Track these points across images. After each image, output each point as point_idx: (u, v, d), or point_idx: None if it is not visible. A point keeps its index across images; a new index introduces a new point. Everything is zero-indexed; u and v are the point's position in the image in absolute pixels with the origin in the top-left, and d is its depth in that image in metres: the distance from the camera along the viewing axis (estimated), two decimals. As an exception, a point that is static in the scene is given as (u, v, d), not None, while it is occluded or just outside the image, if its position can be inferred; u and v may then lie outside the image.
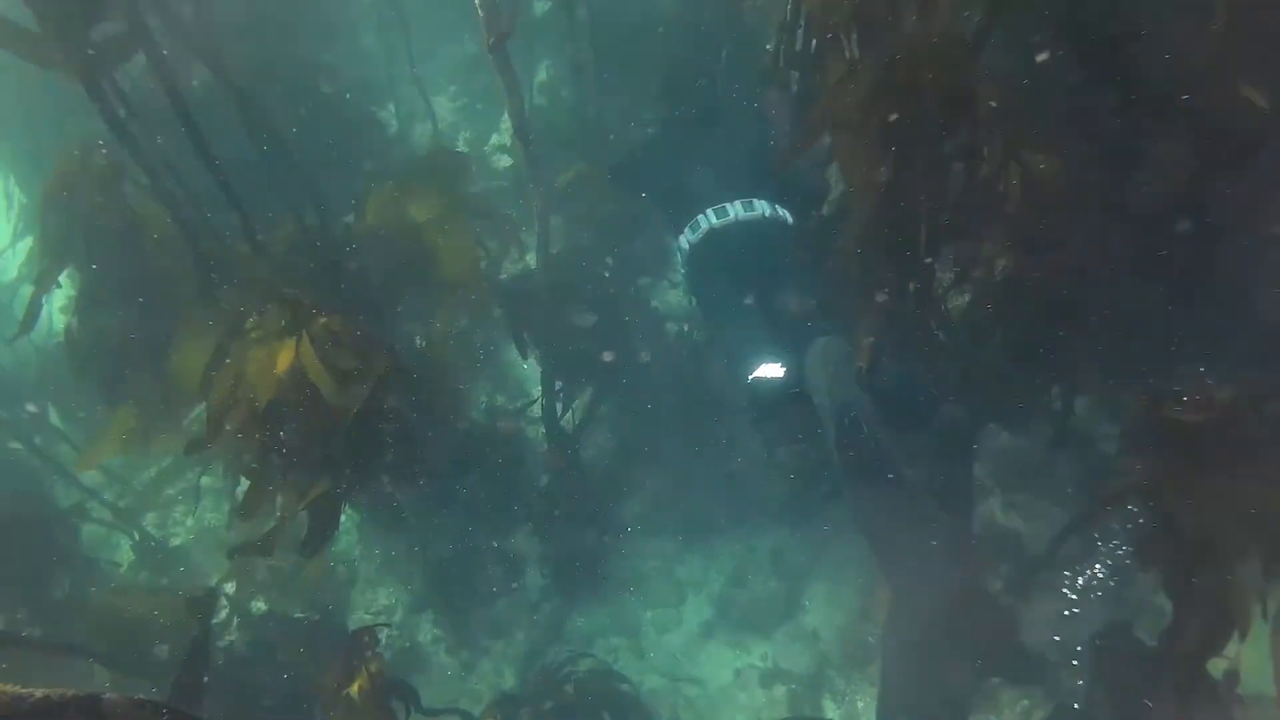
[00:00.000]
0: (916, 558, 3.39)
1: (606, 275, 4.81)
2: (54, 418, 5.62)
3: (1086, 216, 3.12)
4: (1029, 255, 3.18)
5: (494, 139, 6.70)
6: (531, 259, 4.70)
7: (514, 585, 4.79)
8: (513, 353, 5.53)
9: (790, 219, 4.02)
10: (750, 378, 3.62)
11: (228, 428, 3.42)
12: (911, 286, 3.27)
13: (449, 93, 7.06)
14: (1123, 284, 3.32)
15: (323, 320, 3.42)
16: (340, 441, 3.43)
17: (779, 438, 4.35)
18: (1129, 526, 3.70)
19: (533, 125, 3.58)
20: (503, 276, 4.89)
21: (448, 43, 7.08)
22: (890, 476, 3.29)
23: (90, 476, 5.18)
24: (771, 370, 3.58)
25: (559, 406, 4.74)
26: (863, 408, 3.34)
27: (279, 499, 3.51)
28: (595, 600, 4.87)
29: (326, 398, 3.30)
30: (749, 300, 3.78)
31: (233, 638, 4.37)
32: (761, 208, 3.93)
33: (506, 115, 5.95)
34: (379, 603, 4.79)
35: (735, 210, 3.91)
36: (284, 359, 3.29)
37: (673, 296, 5.72)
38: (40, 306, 4.23)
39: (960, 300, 3.63)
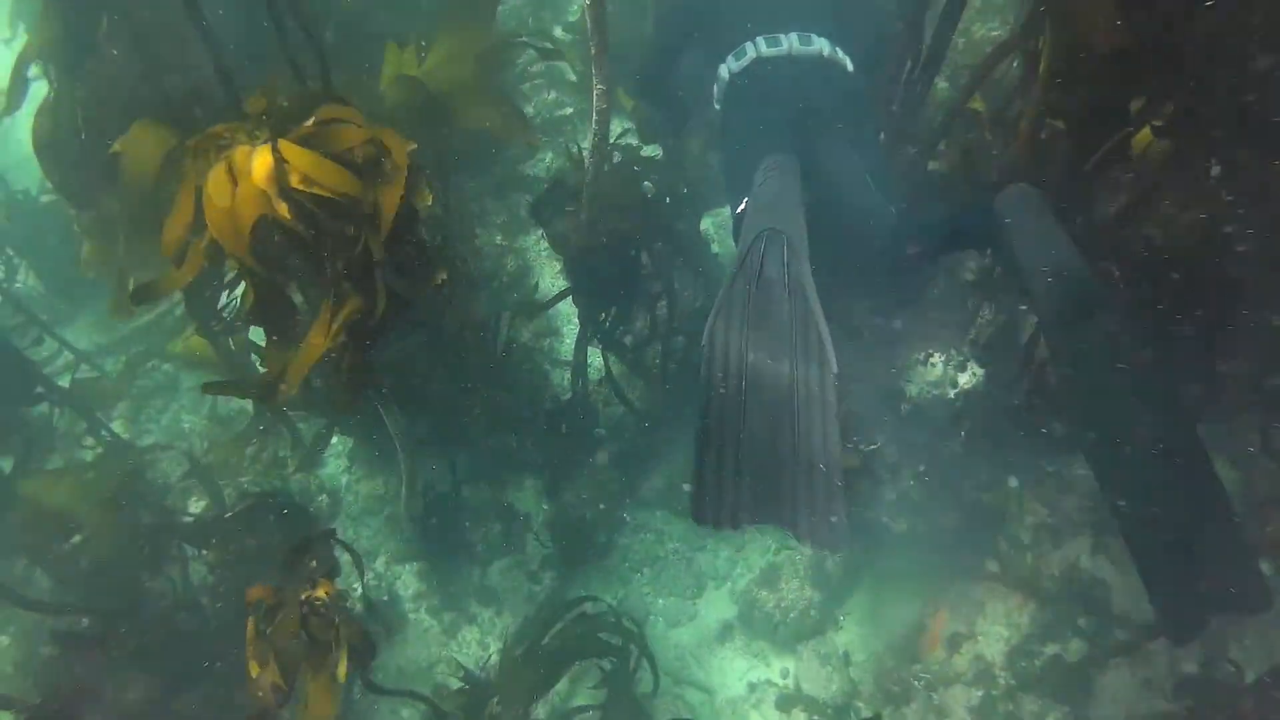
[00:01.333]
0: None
1: (667, 200, 4.01)
2: (30, 280, 5.06)
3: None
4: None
5: (557, 32, 5.80)
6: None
7: (514, 549, 4.20)
8: (542, 280, 4.84)
9: (850, 66, 3.41)
10: (737, 211, 3.10)
11: (195, 261, 2.59)
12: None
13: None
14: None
15: (318, 115, 2.53)
16: (372, 255, 2.54)
17: None
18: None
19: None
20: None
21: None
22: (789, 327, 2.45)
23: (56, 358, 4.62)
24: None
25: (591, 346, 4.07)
26: (791, 239, 2.56)
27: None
28: (601, 576, 4.28)
29: (346, 191, 2.44)
30: (779, 142, 3.17)
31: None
32: (821, 44, 3.34)
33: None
34: (360, 544, 4.23)
35: (790, 42, 3.33)
36: (261, 164, 2.41)
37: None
38: (27, 81, 3.52)
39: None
